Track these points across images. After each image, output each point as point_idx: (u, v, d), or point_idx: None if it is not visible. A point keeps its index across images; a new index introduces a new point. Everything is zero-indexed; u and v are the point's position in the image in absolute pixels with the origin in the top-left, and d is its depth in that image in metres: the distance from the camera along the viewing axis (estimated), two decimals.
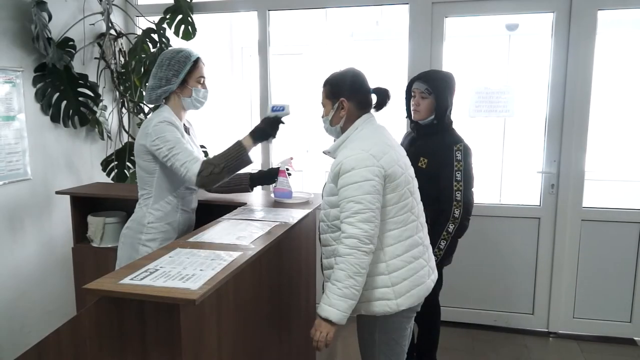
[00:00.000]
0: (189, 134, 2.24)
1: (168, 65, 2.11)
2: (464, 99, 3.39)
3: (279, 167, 2.44)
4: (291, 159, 2.43)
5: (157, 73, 2.13)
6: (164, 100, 2.16)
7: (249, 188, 2.45)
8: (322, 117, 1.89)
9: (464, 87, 3.46)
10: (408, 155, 1.93)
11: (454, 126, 2.51)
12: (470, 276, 3.46)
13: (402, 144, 2.52)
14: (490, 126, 5.06)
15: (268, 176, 2.47)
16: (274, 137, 2.18)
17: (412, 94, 2.47)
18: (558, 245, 3.29)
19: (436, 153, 2.37)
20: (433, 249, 2.16)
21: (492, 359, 3.08)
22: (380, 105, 1.90)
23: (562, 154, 3.22)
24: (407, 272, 1.78)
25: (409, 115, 2.55)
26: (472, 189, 2.41)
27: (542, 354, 3.16)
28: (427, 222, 1.99)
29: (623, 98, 4.89)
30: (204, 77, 2.18)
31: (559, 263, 3.31)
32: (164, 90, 2.12)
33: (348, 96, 1.81)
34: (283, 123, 2.18)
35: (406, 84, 3.35)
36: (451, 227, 2.36)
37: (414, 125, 2.53)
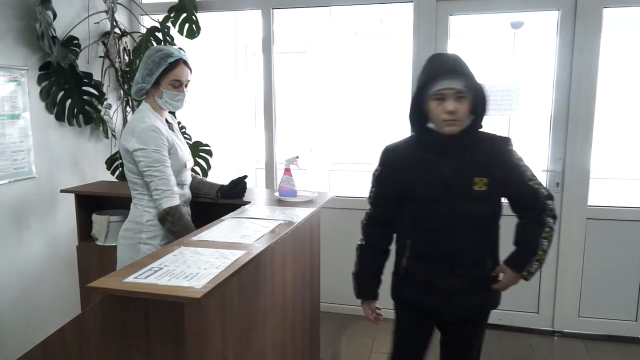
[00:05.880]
0: (172, 130, 2.24)
1: (145, 63, 2.11)
2: None
3: (246, 176, 2.49)
4: (297, 157, 2.43)
5: (139, 69, 2.13)
6: (144, 96, 2.17)
7: (217, 199, 2.46)
8: None
9: None
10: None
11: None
12: None
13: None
14: (495, 124, 5.05)
15: (233, 189, 2.47)
16: None
17: (440, 95, 1.70)
18: (563, 244, 3.27)
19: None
20: None
21: (496, 358, 3.07)
22: None
23: (567, 152, 3.20)
24: None
25: (418, 126, 1.83)
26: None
27: (547, 353, 3.15)
28: None
29: (629, 96, 4.86)
30: (180, 81, 2.12)
31: (564, 261, 3.29)
32: (140, 88, 2.13)
33: None
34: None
35: (410, 82, 3.32)
36: None
37: (437, 139, 1.79)
